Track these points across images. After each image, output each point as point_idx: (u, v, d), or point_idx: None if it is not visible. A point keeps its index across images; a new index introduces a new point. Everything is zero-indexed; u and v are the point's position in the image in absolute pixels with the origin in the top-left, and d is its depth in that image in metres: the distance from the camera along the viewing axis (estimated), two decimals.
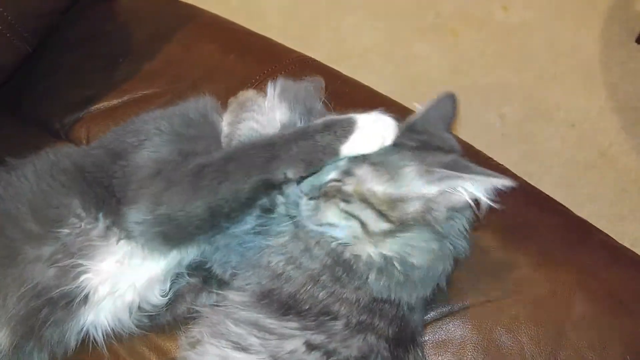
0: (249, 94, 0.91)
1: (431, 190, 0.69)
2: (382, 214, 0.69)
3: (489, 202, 0.70)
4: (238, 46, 1.10)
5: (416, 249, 0.70)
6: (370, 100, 1.06)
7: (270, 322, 0.69)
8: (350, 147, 0.72)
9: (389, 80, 1.80)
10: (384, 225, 0.69)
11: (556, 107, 1.73)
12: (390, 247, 0.70)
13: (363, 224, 0.70)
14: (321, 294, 0.70)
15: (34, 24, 0.92)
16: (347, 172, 0.71)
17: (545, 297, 0.82)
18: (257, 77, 1.04)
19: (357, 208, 0.70)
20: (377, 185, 0.70)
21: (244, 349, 0.68)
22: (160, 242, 0.73)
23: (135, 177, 0.74)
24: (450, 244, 0.72)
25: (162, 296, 0.78)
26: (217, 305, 0.74)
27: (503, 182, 0.68)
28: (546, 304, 0.82)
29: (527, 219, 0.91)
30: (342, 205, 0.70)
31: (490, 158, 1.00)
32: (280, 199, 0.76)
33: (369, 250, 0.70)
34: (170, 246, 0.74)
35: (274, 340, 0.68)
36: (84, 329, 0.77)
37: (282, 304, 0.70)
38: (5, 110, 1.05)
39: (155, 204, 0.71)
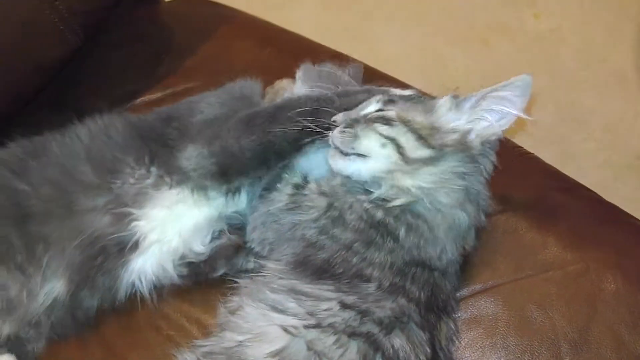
0: (283, 83, 0.96)
1: (462, 120, 0.73)
2: (422, 138, 0.72)
3: (521, 114, 0.73)
4: (274, 43, 1.15)
5: (447, 184, 0.72)
6: None
7: (306, 286, 0.71)
8: None
9: (422, 88, 1.83)
10: (423, 152, 0.72)
11: (590, 112, 1.72)
12: (423, 179, 0.72)
13: (401, 150, 0.72)
14: (354, 259, 0.72)
15: (84, 20, 0.97)
16: (389, 102, 0.74)
17: (576, 275, 0.83)
18: (294, 71, 1.07)
19: (398, 131, 0.73)
20: (417, 116, 0.72)
21: (282, 311, 0.70)
22: (211, 178, 0.77)
23: (190, 131, 0.80)
24: (478, 183, 0.75)
25: (204, 245, 0.82)
26: (255, 275, 0.77)
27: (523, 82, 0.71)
28: (577, 282, 0.82)
29: (556, 202, 0.92)
30: (383, 128, 0.73)
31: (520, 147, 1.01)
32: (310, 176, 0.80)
33: (403, 183, 0.72)
34: (220, 183, 0.78)
35: (310, 301, 0.70)
36: (133, 277, 0.81)
37: (316, 269, 0.72)
38: (49, 105, 1.11)
39: (211, 140, 0.77)
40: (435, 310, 0.74)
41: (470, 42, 1.91)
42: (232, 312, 0.74)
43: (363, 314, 0.69)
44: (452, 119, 0.74)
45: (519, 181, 0.94)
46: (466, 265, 0.85)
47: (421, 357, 0.70)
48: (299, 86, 0.90)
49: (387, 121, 0.74)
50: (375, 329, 0.69)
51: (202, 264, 0.83)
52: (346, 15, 1.99)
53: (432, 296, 0.73)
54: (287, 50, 1.14)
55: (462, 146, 0.73)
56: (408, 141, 0.72)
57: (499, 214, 0.88)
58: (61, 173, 0.81)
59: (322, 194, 0.77)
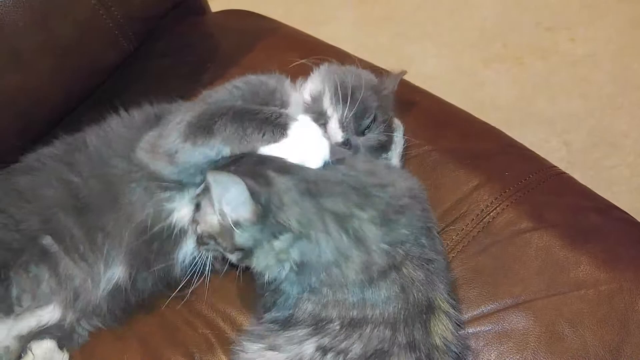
0: None
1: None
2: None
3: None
4: (316, 54, 1.18)
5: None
6: (440, 109, 1.11)
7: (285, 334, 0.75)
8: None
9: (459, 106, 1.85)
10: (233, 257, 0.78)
11: (623, 136, 1.72)
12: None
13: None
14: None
15: (137, 26, 1.02)
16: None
17: (609, 295, 0.83)
18: None
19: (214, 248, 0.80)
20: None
21: (274, 349, 0.74)
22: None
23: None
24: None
25: None
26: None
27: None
28: (610, 301, 0.82)
29: (590, 222, 0.92)
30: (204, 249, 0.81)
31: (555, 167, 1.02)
32: None
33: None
34: None
35: (295, 345, 0.73)
36: (186, 260, 0.86)
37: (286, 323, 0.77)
38: (95, 109, 1.16)
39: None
40: (417, 315, 0.74)
41: (505, 62, 1.93)
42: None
43: (345, 354, 0.71)
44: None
45: (553, 200, 0.95)
46: (498, 279, 0.87)
47: None
48: (316, 81, 0.92)
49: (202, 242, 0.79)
50: None
51: None
52: (382, 33, 2.02)
53: (403, 304, 0.74)
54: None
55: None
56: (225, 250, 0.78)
57: (532, 231, 0.89)
58: (101, 165, 0.85)
59: None
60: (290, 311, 0.77)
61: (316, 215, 0.74)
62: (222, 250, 0.78)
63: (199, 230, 0.79)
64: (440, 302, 0.77)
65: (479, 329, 0.84)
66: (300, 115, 0.81)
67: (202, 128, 0.79)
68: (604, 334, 0.80)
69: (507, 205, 0.92)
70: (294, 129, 0.77)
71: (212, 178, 0.73)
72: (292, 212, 0.73)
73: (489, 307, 0.85)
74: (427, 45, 1.99)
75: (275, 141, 0.77)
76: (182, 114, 0.84)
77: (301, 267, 0.76)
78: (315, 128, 0.79)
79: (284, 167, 0.76)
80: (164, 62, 1.21)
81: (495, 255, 0.88)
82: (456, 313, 0.79)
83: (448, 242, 0.90)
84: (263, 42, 1.21)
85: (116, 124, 0.90)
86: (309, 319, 0.75)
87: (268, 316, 0.80)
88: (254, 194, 0.72)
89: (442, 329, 0.76)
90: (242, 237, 0.74)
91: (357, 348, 0.72)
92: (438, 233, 0.83)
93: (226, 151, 0.79)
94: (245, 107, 0.81)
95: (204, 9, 1.31)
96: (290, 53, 1.19)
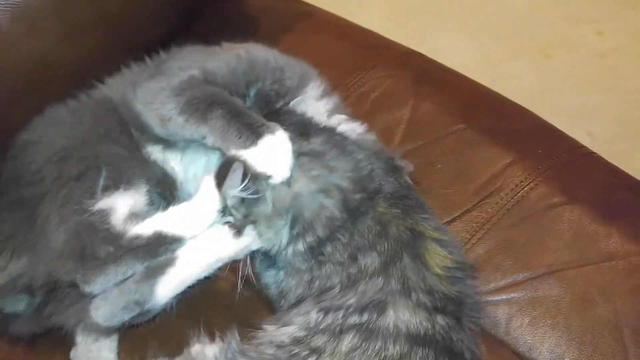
0: None
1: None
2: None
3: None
4: (351, 38, 1.22)
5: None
6: (473, 90, 1.14)
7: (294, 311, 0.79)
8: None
9: None
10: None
11: None
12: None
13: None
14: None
15: (184, 4, 1.06)
16: None
17: (639, 265, 0.86)
18: (370, 64, 1.14)
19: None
20: None
21: (287, 324, 0.78)
22: None
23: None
24: None
25: None
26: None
27: None
28: None
29: (620, 198, 0.95)
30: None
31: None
32: None
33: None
34: None
35: (302, 316, 0.77)
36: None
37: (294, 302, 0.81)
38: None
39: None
40: (405, 250, 0.78)
41: (531, 54, 1.95)
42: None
43: (345, 309, 0.75)
44: None
45: (584, 177, 0.98)
46: (531, 250, 0.90)
47: (424, 315, 0.74)
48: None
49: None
50: (361, 319, 0.74)
51: None
52: (410, 24, 2.05)
53: (387, 242, 0.78)
54: (363, 46, 1.21)
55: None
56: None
57: (564, 205, 0.92)
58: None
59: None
60: (300, 294, 0.82)
61: None
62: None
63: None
64: (426, 231, 0.80)
65: (512, 295, 0.87)
66: (280, 132, 0.83)
67: (198, 112, 0.84)
68: (634, 303, 0.83)
69: (540, 181, 0.95)
70: (265, 141, 0.81)
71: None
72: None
73: (522, 276, 0.88)
74: (455, 37, 2.02)
75: (245, 147, 0.81)
76: (181, 71, 0.90)
77: (295, 223, 0.80)
78: (285, 146, 0.81)
79: None
80: (204, 42, 1.25)
81: (528, 228, 0.91)
82: (447, 238, 0.82)
83: (483, 214, 0.93)
84: (299, 24, 1.25)
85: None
86: (315, 293, 0.80)
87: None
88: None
89: (439, 259, 0.78)
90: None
91: (352, 301, 0.76)
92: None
93: (208, 140, 0.84)
94: (240, 109, 0.85)
95: None
96: (325, 36, 1.23)
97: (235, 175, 0.80)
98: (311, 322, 0.75)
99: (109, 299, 0.82)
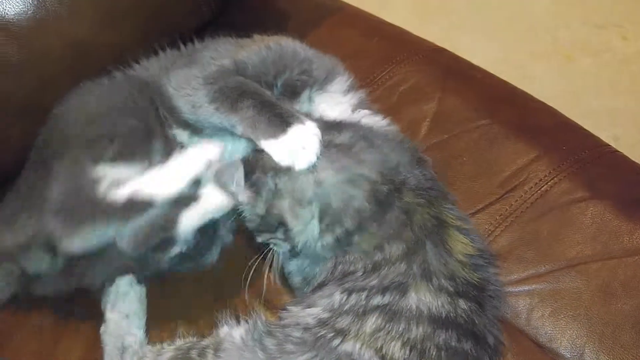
0: None
1: None
2: None
3: None
4: (380, 33, 1.24)
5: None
6: (499, 87, 1.15)
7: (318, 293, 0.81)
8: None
9: None
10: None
11: None
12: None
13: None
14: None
15: None
16: None
17: None
18: (398, 58, 1.16)
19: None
20: None
21: (312, 306, 0.80)
22: None
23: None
24: None
25: None
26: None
27: None
28: None
29: None
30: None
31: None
32: None
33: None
34: None
35: (326, 299, 0.79)
36: None
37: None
38: None
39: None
40: (429, 237, 0.79)
41: (554, 57, 1.95)
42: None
43: (367, 291, 0.76)
44: None
45: (608, 173, 0.98)
46: (553, 243, 0.91)
47: (445, 298, 0.75)
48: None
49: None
50: (384, 300, 0.75)
51: None
52: (435, 23, 2.07)
53: (411, 230, 0.79)
54: (390, 41, 1.22)
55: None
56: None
57: (587, 200, 0.93)
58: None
59: None
60: (323, 279, 0.83)
61: None
62: (269, 232, 0.86)
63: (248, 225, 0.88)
64: (449, 219, 0.82)
65: (534, 286, 0.88)
66: (310, 122, 0.85)
67: (228, 101, 0.86)
68: None
69: (564, 177, 0.96)
70: (294, 129, 0.82)
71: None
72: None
73: (544, 268, 0.89)
74: (477, 37, 2.03)
75: (274, 136, 0.82)
76: (214, 61, 0.93)
77: (323, 215, 0.82)
78: (314, 135, 0.83)
79: None
80: (232, 33, 1.27)
81: (551, 221, 0.92)
82: (469, 227, 0.83)
83: (507, 207, 0.95)
84: (328, 19, 1.27)
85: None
86: (338, 276, 0.81)
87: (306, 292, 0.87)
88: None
89: (461, 246, 0.80)
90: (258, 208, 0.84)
91: (374, 282, 0.77)
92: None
93: (238, 129, 0.86)
94: (270, 100, 0.87)
95: None
96: (354, 31, 1.25)
97: (238, 173, 0.84)
98: (335, 304, 0.77)
99: (134, 228, 0.87)
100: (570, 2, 2.04)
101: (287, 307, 0.82)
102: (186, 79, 0.92)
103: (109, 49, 1.01)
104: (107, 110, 0.93)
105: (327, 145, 0.84)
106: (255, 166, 0.85)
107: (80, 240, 0.85)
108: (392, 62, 1.16)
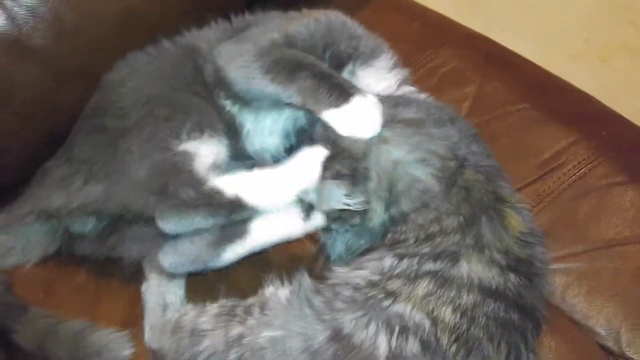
0: None
1: None
2: None
3: None
4: (423, 18, 1.26)
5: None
6: (540, 74, 1.16)
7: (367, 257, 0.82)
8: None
9: None
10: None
11: None
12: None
13: None
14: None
15: None
16: None
17: None
18: (439, 42, 1.17)
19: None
20: None
21: (360, 268, 0.80)
22: None
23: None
24: None
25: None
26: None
27: None
28: None
29: None
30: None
31: None
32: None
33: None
34: None
35: (375, 262, 0.80)
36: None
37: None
38: None
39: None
40: (485, 212, 0.80)
41: (589, 59, 1.95)
42: None
43: (419, 257, 0.77)
44: None
45: None
46: (591, 223, 0.91)
47: (497, 270, 0.76)
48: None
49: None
50: (435, 266, 0.76)
51: None
52: (472, 20, 2.03)
53: (470, 205, 0.80)
54: (432, 26, 1.24)
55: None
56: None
57: (627, 184, 0.94)
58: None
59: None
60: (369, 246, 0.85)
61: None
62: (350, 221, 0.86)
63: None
64: (505, 196, 0.82)
65: (570, 265, 0.89)
66: (369, 94, 0.86)
67: (286, 71, 0.87)
68: None
69: (603, 160, 0.97)
70: (357, 99, 0.83)
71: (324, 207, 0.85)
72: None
73: (581, 247, 0.90)
74: (512, 36, 2.01)
75: (336, 106, 0.84)
76: (265, 34, 0.94)
77: (391, 188, 0.83)
78: (376, 106, 0.84)
79: None
80: (281, 7, 1.29)
81: (589, 203, 0.93)
82: (523, 207, 0.83)
83: (545, 187, 0.96)
84: (370, 5, 1.29)
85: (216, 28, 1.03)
86: (388, 243, 0.82)
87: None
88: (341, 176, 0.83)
89: (515, 223, 0.80)
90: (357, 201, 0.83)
91: (426, 250, 0.78)
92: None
93: (295, 99, 0.86)
94: (327, 71, 0.88)
95: None
96: (397, 16, 1.27)
97: (334, 192, 0.83)
98: (385, 267, 0.78)
99: (178, 250, 0.88)
100: (609, 3, 2.04)
101: (334, 268, 0.83)
102: (239, 52, 0.94)
103: (159, 16, 1.04)
104: (165, 89, 0.95)
105: (391, 120, 0.85)
106: (339, 156, 0.85)
107: (178, 223, 0.85)
108: (434, 46, 1.17)
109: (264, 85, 0.89)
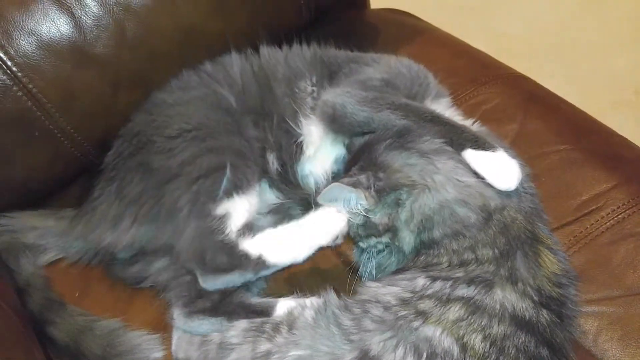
0: None
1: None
2: None
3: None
4: (468, 55, 1.27)
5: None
6: (583, 117, 1.16)
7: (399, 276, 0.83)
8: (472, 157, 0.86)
9: None
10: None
11: None
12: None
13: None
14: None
15: (318, 3, 1.16)
16: None
17: None
18: (483, 80, 1.19)
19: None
20: None
21: (392, 285, 0.81)
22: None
23: (352, 78, 1.01)
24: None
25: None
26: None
27: None
28: None
29: None
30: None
31: None
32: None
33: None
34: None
35: (407, 281, 0.81)
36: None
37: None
38: None
39: (345, 92, 0.97)
40: (520, 248, 0.80)
41: (635, 107, 1.93)
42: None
43: (453, 280, 0.77)
44: None
45: None
46: (626, 269, 0.90)
47: (529, 303, 0.76)
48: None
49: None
50: (468, 292, 0.76)
51: None
52: (517, 65, 2.07)
53: (506, 241, 0.80)
54: (477, 63, 1.26)
55: None
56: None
57: None
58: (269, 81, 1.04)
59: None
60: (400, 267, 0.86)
61: (422, 160, 0.86)
62: (375, 237, 0.88)
63: (351, 233, 0.93)
64: (542, 236, 0.83)
65: (604, 308, 0.88)
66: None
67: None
68: None
69: None
70: (501, 152, 0.87)
71: (322, 200, 0.89)
72: (401, 172, 0.85)
73: (616, 292, 0.89)
74: (556, 83, 2.02)
75: (483, 149, 0.86)
76: (363, 83, 1.01)
77: (426, 222, 0.84)
78: (515, 162, 0.86)
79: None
80: (329, 43, 1.33)
81: (627, 248, 0.92)
82: (558, 248, 0.84)
83: (582, 229, 0.95)
84: (417, 39, 1.32)
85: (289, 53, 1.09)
86: (420, 265, 0.83)
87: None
88: (358, 184, 0.85)
89: (550, 262, 0.81)
90: (378, 218, 0.86)
91: (460, 275, 0.79)
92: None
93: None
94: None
95: (365, 3, 1.45)
96: (443, 50, 1.29)
97: (343, 191, 0.87)
98: (417, 287, 0.79)
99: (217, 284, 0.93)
100: None
101: (366, 284, 0.83)
102: (350, 96, 0.97)
103: (217, 35, 1.09)
104: (212, 123, 0.99)
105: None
106: (370, 170, 0.88)
107: (216, 284, 0.92)
108: (478, 83, 1.19)
109: (392, 118, 0.93)
